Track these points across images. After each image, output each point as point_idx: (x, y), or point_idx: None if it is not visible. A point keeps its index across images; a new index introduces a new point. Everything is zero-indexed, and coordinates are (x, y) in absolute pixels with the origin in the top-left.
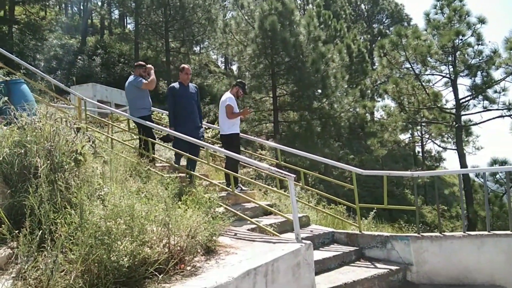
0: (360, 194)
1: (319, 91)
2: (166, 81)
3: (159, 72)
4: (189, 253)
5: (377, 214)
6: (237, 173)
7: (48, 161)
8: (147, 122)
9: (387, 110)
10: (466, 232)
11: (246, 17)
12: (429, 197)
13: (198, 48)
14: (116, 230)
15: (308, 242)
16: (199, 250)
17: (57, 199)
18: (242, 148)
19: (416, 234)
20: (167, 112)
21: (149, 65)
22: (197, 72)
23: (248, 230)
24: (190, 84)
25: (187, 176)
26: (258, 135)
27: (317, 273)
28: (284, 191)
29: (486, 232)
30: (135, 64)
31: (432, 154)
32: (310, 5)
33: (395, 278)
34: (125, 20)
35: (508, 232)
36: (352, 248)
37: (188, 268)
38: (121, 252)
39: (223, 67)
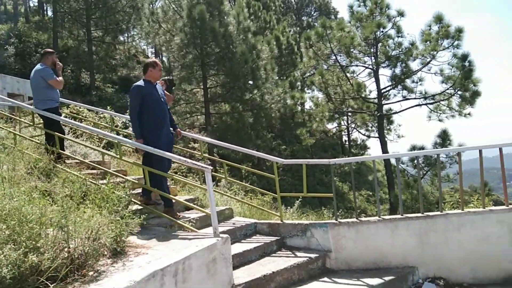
0: (291, 183)
1: (250, 82)
2: (88, 72)
3: (81, 63)
4: (92, 257)
5: (307, 202)
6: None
7: None
8: (53, 115)
9: (315, 100)
10: (381, 216)
11: (174, 6)
12: (356, 183)
13: (125, 37)
14: None
15: (225, 236)
16: (105, 253)
17: None
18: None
19: (334, 221)
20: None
21: (59, 63)
22: (124, 62)
23: (165, 227)
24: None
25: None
26: (190, 127)
27: (237, 267)
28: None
29: (399, 216)
30: (44, 51)
31: (358, 142)
32: None
33: (314, 266)
34: (45, 7)
35: (419, 214)
36: (273, 238)
37: (91, 273)
38: (1, 261)
39: (153, 58)
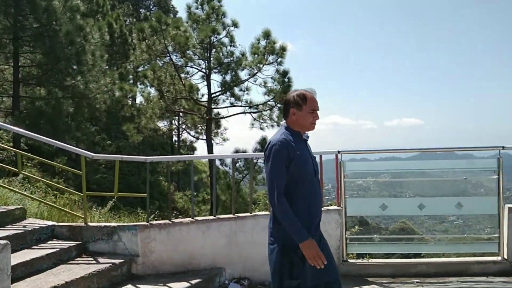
0: (112, 182)
1: (74, 67)
2: None
3: None
4: None
5: (129, 202)
6: None
7: None
8: None
9: (145, 95)
10: (194, 218)
11: None
12: (183, 184)
13: None
14: None
15: (4, 242)
16: None
17: None
18: None
19: (145, 223)
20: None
21: None
22: None
23: None
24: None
25: None
26: None
27: (21, 278)
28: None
29: (211, 217)
30: None
31: (187, 143)
32: None
33: (118, 272)
34: None
35: (231, 215)
36: (73, 243)
37: None
38: None
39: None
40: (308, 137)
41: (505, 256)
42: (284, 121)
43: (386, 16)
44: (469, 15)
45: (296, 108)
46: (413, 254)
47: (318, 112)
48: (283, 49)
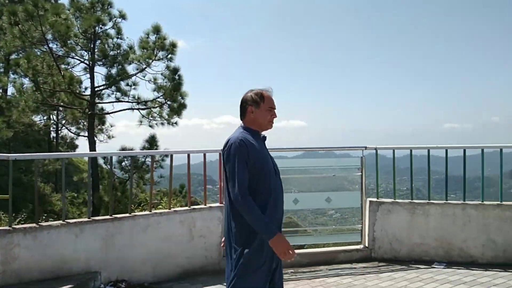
0: None
1: None
2: None
3: None
4: None
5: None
6: None
7: None
8: None
9: (18, 86)
10: (66, 220)
11: None
12: (60, 185)
13: None
14: None
15: None
16: None
17: None
18: None
19: (6, 228)
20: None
21: None
22: None
23: None
24: None
25: None
26: None
27: None
28: None
29: (85, 219)
30: None
31: (68, 140)
32: None
33: None
34: None
35: (107, 217)
36: None
37: None
38: None
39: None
40: (265, 137)
41: (366, 244)
42: (241, 122)
43: (276, 20)
44: (353, 20)
45: (254, 106)
46: (298, 246)
47: (275, 111)
48: (174, 45)
